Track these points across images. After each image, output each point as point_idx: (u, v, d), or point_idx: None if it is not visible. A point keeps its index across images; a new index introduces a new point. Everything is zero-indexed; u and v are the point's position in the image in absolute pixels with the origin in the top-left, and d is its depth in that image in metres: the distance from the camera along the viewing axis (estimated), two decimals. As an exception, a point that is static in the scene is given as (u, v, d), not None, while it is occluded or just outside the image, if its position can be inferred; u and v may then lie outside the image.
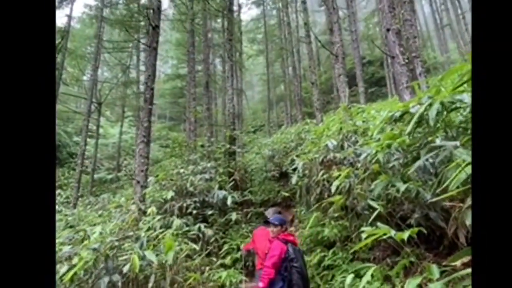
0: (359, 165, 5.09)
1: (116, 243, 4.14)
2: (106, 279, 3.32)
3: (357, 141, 6.66)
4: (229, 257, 7.15)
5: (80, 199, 17.15)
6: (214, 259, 6.84)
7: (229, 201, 7.83)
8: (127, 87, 27.66)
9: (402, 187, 3.48)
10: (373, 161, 4.57)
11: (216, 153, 10.60)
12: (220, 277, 5.39)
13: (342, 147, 7.00)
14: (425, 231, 3.06)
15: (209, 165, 8.81)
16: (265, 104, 33.19)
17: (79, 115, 27.71)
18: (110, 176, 25.02)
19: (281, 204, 11.45)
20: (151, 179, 9.66)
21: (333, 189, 5.55)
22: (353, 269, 4.90)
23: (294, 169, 9.50)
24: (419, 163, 3.22)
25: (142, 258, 3.82)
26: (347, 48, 26.72)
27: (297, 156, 9.03)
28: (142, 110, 9.45)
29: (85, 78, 29.16)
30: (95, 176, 24.15)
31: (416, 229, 2.72)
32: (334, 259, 5.40)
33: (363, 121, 6.95)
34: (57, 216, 11.30)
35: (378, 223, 2.91)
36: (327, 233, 5.60)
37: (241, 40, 28.98)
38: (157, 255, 4.41)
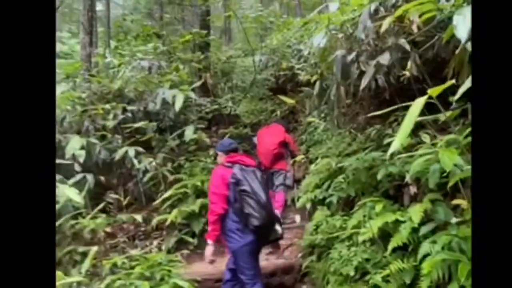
0: None
1: None
2: None
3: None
4: (175, 211, 3.59)
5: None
6: (139, 217, 3.29)
7: (178, 103, 4.07)
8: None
9: None
10: None
11: (176, 43, 6.52)
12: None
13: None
14: None
15: (150, 45, 4.84)
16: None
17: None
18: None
19: (278, 125, 7.86)
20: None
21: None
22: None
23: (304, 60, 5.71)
24: None
25: None
26: None
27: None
28: None
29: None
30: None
31: None
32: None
33: None
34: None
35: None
36: (418, 165, 1.97)
37: None
38: None
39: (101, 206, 3.07)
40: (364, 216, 2.56)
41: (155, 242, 3.61)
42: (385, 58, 2.51)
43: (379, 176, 2.54)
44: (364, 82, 2.65)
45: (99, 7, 20.27)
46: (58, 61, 17.80)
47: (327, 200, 3.18)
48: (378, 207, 2.44)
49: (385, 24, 2.65)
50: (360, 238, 2.37)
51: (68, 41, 25.73)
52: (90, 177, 3.69)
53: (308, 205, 3.66)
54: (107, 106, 4.40)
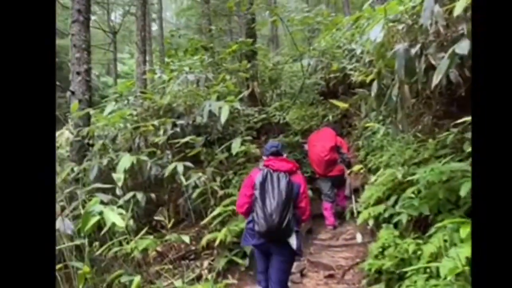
0: None
1: None
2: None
3: None
4: (224, 229, 3.36)
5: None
6: (186, 238, 3.14)
7: (223, 115, 3.89)
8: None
9: None
10: None
11: (224, 53, 6.45)
12: None
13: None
14: None
15: (196, 57, 4.79)
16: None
17: (98, 50, 24.19)
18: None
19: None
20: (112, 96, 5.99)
21: None
22: None
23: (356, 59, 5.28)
24: None
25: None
26: None
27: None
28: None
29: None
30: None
31: None
32: None
33: None
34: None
35: None
36: None
37: None
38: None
39: (145, 230, 2.98)
40: (445, 241, 2.10)
41: (206, 263, 3.44)
42: (463, 47, 2.05)
43: (462, 193, 2.07)
44: (437, 78, 2.20)
45: (155, 27, 21.37)
46: (118, 81, 19.06)
47: (395, 219, 2.73)
48: (464, 231, 1.96)
49: (459, 7, 2.20)
50: (444, 272, 1.91)
51: (127, 62, 27.65)
52: (140, 196, 3.66)
53: (371, 222, 3.22)
54: (155, 122, 4.40)
